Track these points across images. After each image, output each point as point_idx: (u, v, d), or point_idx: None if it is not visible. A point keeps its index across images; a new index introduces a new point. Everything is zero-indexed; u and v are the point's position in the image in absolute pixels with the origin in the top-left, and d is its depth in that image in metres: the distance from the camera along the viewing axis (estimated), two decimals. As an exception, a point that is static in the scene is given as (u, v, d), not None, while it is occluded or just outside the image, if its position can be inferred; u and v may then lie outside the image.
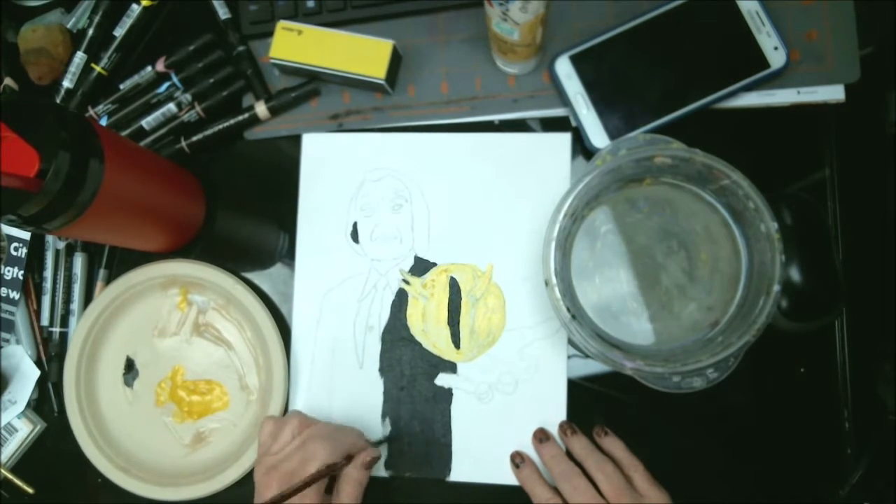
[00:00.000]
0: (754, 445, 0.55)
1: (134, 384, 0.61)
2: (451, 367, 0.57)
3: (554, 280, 0.48)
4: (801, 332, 0.53)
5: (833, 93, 0.55)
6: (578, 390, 0.55)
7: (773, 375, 0.54)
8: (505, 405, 0.56)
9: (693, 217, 0.52)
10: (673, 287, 0.51)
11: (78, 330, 0.59)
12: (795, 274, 0.52)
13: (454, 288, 0.57)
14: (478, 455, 0.56)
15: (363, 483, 0.50)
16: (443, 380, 0.57)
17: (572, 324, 0.47)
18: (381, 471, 0.56)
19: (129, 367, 0.61)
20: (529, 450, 0.55)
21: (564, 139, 0.57)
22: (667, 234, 0.52)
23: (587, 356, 0.51)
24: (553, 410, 0.55)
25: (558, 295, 0.48)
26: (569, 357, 0.55)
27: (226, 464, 0.57)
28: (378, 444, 0.56)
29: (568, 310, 0.48)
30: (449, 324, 0.57)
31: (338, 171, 0.59)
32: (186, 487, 0.57)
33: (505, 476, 0.55)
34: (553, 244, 0.48)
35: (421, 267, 0.58)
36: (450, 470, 0.56)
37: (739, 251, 0.51)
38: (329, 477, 0.48)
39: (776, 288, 0.46)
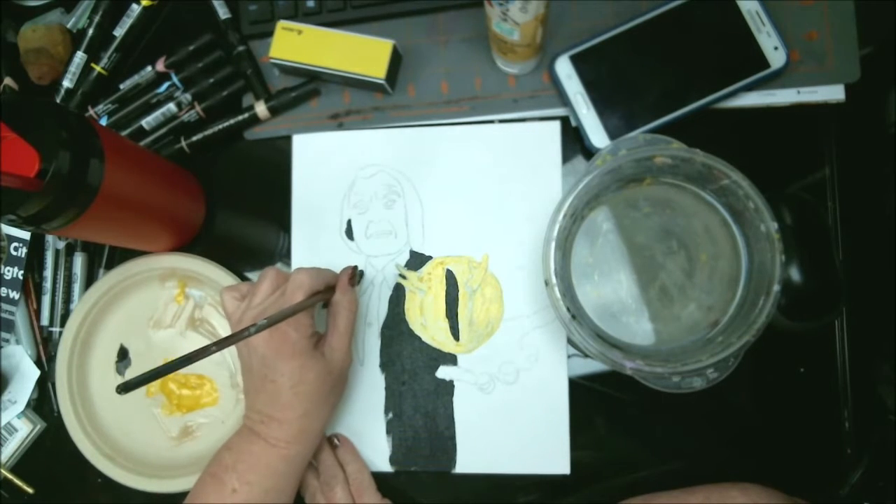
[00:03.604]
0: (754, 445, 0.55)
1: (125, 373, 0.61)
2: (452, 360, 0.57)
3: (554, 280, 0.48)
4: (801, 332, 0.53)
5: (833, 93, 0.55)
6: (578, 390, 0.55)
7: (773, 375, 0.54)
8: (507, 395, 0.56)
9: (693, 217, 0.52)
10: (673, 287, 0.51)
11: (75, 312, 0.59)
12: (795, 274, 0.52)
13: (451, 280, 0.57)
14: (482, 446, 0.56)
15: (354, 307, 0.52)
16: (444, 372, 0.57)
17: (572, 324, 0.47)
18: (386, 466, 0.57)
19: (123, 356, 0.61)
20: (533, 439, 0.55)
21: (554, 127, 0.57)
22: (667, 234, 0.52)
23: (587, 356, 0.51)
24: (555, 398, 0.55)
25: (558, 295, 0.48)
26: (569, 357, 0.55)
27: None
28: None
29: (568, 310, 0.47)
30: (447, 316, 0.57)
31: (329, 170, 0.59)
32: (170, 480, 0.57)
33: (510, 466, 0.55)
34: (553, 244, 0.48)
35: (417, 261, 0.58)
36: (455, 462, 0.56)
37: (739, 251, 0.51)
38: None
39: (776, 288, 0.46)
